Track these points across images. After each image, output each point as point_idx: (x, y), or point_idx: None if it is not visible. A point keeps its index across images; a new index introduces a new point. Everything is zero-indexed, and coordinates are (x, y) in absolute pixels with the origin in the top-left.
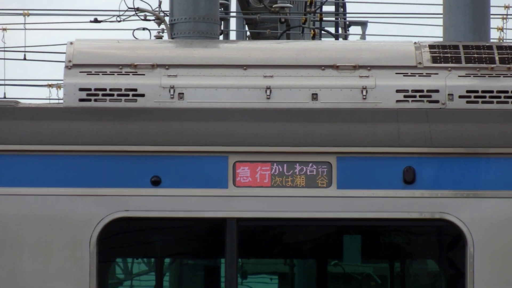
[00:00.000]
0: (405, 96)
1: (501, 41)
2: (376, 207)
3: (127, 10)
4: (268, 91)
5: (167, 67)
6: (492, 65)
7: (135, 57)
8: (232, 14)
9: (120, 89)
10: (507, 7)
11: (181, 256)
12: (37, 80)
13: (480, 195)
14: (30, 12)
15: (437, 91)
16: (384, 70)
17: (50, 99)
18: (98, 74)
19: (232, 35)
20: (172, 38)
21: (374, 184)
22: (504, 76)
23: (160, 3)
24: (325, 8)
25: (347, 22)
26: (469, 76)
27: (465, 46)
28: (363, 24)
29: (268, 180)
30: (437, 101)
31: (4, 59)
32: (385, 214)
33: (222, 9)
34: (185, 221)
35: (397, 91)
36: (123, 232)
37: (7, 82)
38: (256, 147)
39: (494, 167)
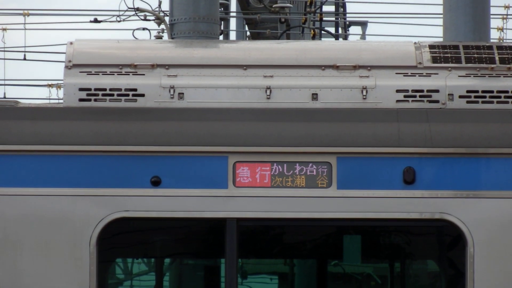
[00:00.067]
0: (405, 96)
1: (501, 41)
2: (376, 207)
3: (127, 10)
4: (268, 91)
5: (167, 67)
6: (492, 65)
7: (135, 57)
8: (232, 14)
9: (120, 89)
10: (507, 7)
11: (181, 256)
12: (37, 80)
13: (480, 195)
14: (30, 12)
15: (437, 91)
16: (384, 70)
17: (50, 99)
18: (98, 74)
19: (232, 35)
20: (172, 38)
21: (374, 184)
22: (504, 76)
23: (160, 3)
24: (325, 8)
25: (347, 22)
26: (469, 76)
27: (465, 46)
28: (363, 24)
29: (268, 180)
30: (437, 101)
31: (4, 59)
32: (385, 214)
33: (222, 9)
34: (185, 221)
35: (397, 91)
36: (123, 232)
37: (7, 82)
38: (256, 147)
39: (494, 167)
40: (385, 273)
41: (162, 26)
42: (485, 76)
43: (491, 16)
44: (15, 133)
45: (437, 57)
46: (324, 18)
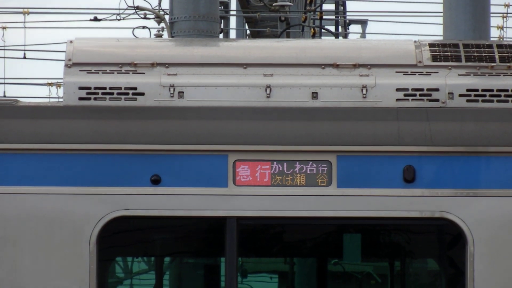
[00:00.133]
0: (405, 95)
1: (501, 39)
2: (376, 206)
3: (127, 9)
4: (268, 90)
5: (167, 65)
6: (492, 64)
7: (135, 55)
8: (232, 12)
9: (120, 88)
10: (507, 5)
11: (181, 255)
12: (37, 79)
13: (480, 194)
14: (30, 10)
15: (437, 89)
16: (384, 68)
17: (50, 97)
18: (98, 73)
19: (232, 34)
20: (172, 37)
21: (374, 183)
22: (504, 75)
23: (160, 1)
24: (325, 7)
25: (347, 21)
26: (469, 75)
27: (465, 44)
28: (363, 23)
29: (268, 179)
30: (437, 100)
31: (4, 57)
32: (385, 213)
33: (222, 7)
34: (185, 220)
35: (397, 89)
36: (123, 230)
37: (7, 81)
38: (256, 145)
39: (494, 165)
40: (385, 271)
41: (162, 24)
42: (485, 75)
43: (491, 15)
44: (15, 132)
45: (437, 56)
46: (324, 17)
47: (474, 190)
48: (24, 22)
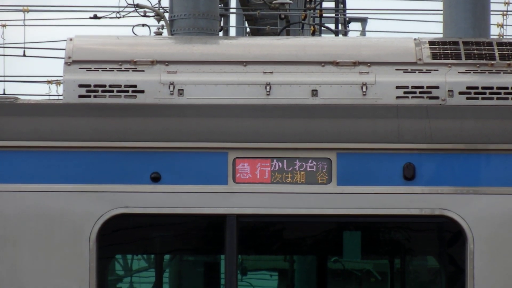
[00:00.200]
0: (405, 93)
1: (501, 37)
2: (376, 203)
3: (126, 6)
4: (268, 87)
5: (166, 63)
6: (492, 62)
7: (135, 53)
8: (232, 10)
9: (119, 86)
10: (507, 3)
11: (181, 252)
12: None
13: (480, 191)
14: (30, 8)
15: (437, 87)
16: (384, 66)
17: (49, 95)
18: (98, 71)
19: (232, 32)
20: (172, 35)
21: (374, 180)
22: (504, 73)
23: None
24: (325, 4)
25: (347, 19)
26: (469, 73)
27: (465, 42)
28: (363, 21)
29: (268, 177)
30: (437, 97)
31: (4, 55)
32: (385, 210)
33: (222, 5)
34: (185, 217)
35: (397, 87)
36: (123, 228)
37: (6, 79)
38: (256, 143)
39: (494, 163)
40: (385, 269)
41: (162, 22)
42: (485, 73)
43: (491, 13)
44: (14, 130)
45: (437, 54)
46: (324, 15)
47: (474, 188)
48: (24, 20)
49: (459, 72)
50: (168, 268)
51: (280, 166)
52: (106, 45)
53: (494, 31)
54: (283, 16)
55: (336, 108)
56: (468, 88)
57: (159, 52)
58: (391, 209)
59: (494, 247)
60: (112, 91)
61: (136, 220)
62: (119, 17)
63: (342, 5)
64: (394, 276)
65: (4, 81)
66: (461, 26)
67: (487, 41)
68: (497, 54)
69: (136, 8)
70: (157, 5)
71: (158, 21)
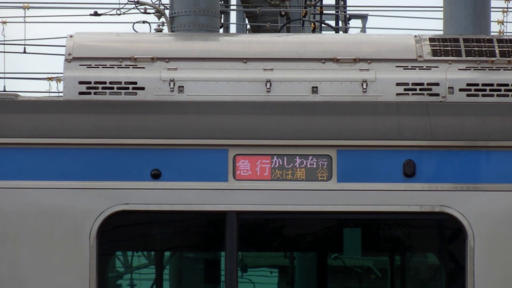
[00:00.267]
0: (405, 89)
1: (501, 34)
2: (376, 200)
3: (127, 3)
4: (268, 84)
5: (167, 60)
6: (493, 58)
7: (135, 50)
8: (232, 7)
9: (120, 82)
10: (507, 0)
11: (181, 249)
12: (37, 73)
13: (481, 188)
14: (30, 5)
15: (437, 84)
16: (384, 63)
17: (50, 92)
18: (98, 67)
19: (232, 28)
20: (172, 31)
21: (374, 177)
22: (504, 69)
23: None
24: (326, 1)
25: (348, 15)
26: (470, 69)
27: (465, 39)
28: (364, 17)
29: (268, 173)
30: (437, 94)
31: (4, 52)
32: (386, 207)
33: (222, 2)
34: (185, 214)
35: (397, 84)
36: (123, 225)
37: (7, 75)
38: (256, 140)
39: (495, 160)
40: (385, 266)
41: (162, 19)
42: (485, 69)
43: (492, 9)
44: (15, 126)
45: (437, 50)
46: (324, 11)
47: (474, 185)
48: (24, 16)
49: (459, 69)
50: (168, 265)
51: (280, 163)
52: (107, 42)
53: (494, 28)
54: (283, 13)
55: (336, 105)
56: (468, 85)
57: (159, 49)
58: (391, 206)
59: (494, 244)
60: (113, 88)
61: (136, 217)
62: (119, 14)
63: (342, 2)
64: (394, 273)
65: (5, 78)
66: (462, 23)
67: (487, 38)
68: (497, 51)
69: (137, 5)
70: (157, 2)
71: (159, 18)
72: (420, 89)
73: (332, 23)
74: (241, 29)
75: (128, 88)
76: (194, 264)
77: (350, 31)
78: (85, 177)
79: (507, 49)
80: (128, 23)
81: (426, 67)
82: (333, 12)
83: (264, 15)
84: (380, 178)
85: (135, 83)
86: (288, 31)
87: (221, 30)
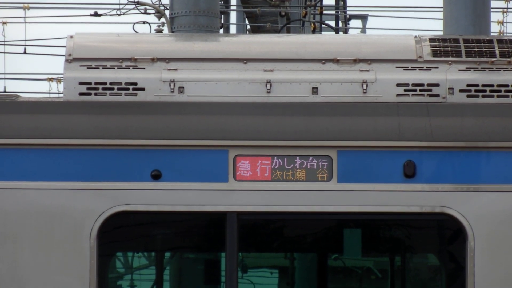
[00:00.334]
0: (405, 90)
1: (501, 35)
2: (377, 201)
3: (127, 4)
4: (268, 85)
5: (167, 60)
6: (493, 59)
7: (135, 50)
8: (232, 7)
9: (120, 83)
10: (507, 0)
11: (181, 250)
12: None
13: (481, 189)
14: (30, 5)
15: (437, 85)
16: (384, 64)
17: (50, 93)
18: (98, 68)
19: (232, 29)
20: (172, 32)
21: (375, 178)
22: (504, 70)
23: None
24: (326, 2)
25: (348, 16)
26: (470, 70)
27: (465, 39)
28: (364, 18)
29: (268, 174)
30: (437, 95)
31: (4, 52)
32: (386, 208)
33: (222, 2)
34: (185, 215)
35: (398, 85)
36: (124, 226)
37: (7, 76)
38: (256, 141)
39: (495, 161)
40: (385, 266)
41: (163, 19)
42: (485, 70)
43: (491, 10)
44: (15, 127)
45: (438, 51)
46: (324, 12)
47: (474, 185)
48: (25, 17)
49: (459, 70)
50: (168, 266)
51: (281, 163)
52: (107, 43)
53: (494, 29)
54: (283, 14)
55: (336, 105)
56: (468, 85)
57: (159, 49)
58: (391, 207)
59: (495, 244)
60: (113, 89)
61: (137, 217)
62: (119, 15)
63: (342, 3)
64: (394, 274)
65: (5, 78)
66: (462, 23)
67: (487, 38)
68: (497, 52)
69: (137, 6)
70: (157, 3)
71: (159, 18)
72: (420, 90)
73: (332, 23)
74: (241, 30)
75: (128, 89)
76: (194, 265)
77: (350, 31)
78: (85, 177)
79: (507, 49)
80: (128, 23)
81: (426, 67)
82: (333, 12)
83: (264, 15)
84: (380, 179)
85: (136, 84)
86: (288, 31)
87: (221, 31)
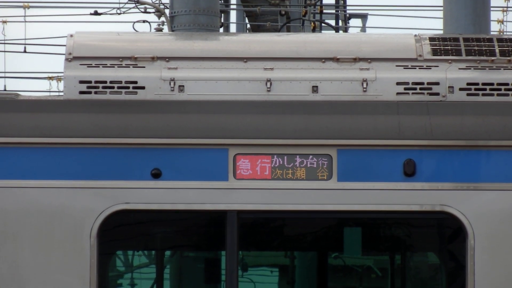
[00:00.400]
0: (405, 89)
1: (501, 33)
2: (377, 199)
3: (127, 3)
4: (268, 84)
5: (167, 59)
6: (493, 58)
7: (135, 49)
8: (232, 6)
9: (120, 82)
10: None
11: (181, 248)
12: (37, 73)
13: (481, 188)
14: (30, 4)
15: (437, 83)
16: (384, 62)
17: (50, 91)
18: (98, 67)
19: (232, 28)
20: (172, 31)
21: (375, 176)
22: (504, 69)
23: None
24: (325, 1)
25: (347, 15)
26: (470, 69)
27: (465, 38)
28: (363, 17)
29: (268, 173)
30: (437, 94)
31: (5, 51)
32: (386, 206)
33: (222, 1)
34: (185, 213)
35: (398, 83)
36: (124, 224)
37: (7, 75)
38: (256, 139)
39: (495, 159)
40: (385, 265)
41: (163, 18)
42: (485, 69)
43: (491, 9)
44: (15, 126)
45: (438, 50)
46: (324, 11)
47: (474, 184)
48: (25, 16)
49: (459, 68)
50: (168, 264)
51: (281, 162)
52: (107, 41)
53: (494, 27)
54: (283, 13)
55: (336, 104)
56: (468, 84)
57: (159, 48)
58: (391, 205)
59: (495, 243)
60: (113, 87)
61: (137, 216)
62: (119, 13)
63: (342, 1)
64: (394, 272)
65: (5, 77)
66: (462, 22)
67: (487, 37)
68: (497, 50)
69: (137, 4)
70: (157, 1)
71: (159, 17)
72: (420, 89)
73: (332, 22)
74: (241, 29)
75: (128, 88)
76: (194, 264)
77: (350, 30)
78: (85, 176)
79: (507, 48)
80: (128, 22)
81: (426, 66)
82: (333, 11)
83: (264, 14)
84: (380, 178)
85: (136, 82)
86: (288, 30)
87: (221, 30)
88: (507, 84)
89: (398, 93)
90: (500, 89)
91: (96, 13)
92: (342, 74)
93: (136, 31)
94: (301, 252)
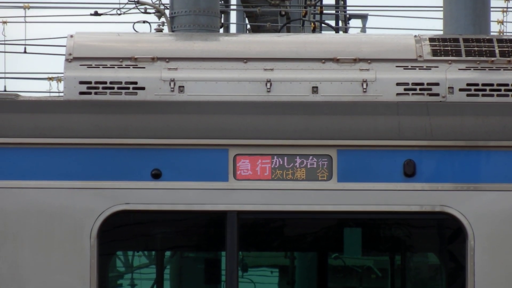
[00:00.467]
0: (405, 89)
1: (501, 34)
2: (377, 200)
3: (127, 3)
4: (268, 84)
5: (167, 60)
6: (492, 58)
7: (136, 50)
8: (232, 7)
9: (120, 82)
10: (507, 0)
11: (181, 249)
12: (38, 73)
13: (481, 188)
14: (31, 5)
15: (437, 84)
16: (384, 63)
17: (50, 92)
18: (99, 67)
19: (233, 28)
20: (173, 31)
21: (375, 177)
22: (504, 69)
23: None
24: (326, 1)
25: (348, 15)
26: (469, 69)
27: (465, 39)
28: (364, 17)
29: (268, 173)
30: (437, 94)
31: (5, 52)
32: (386, 207)
33: (223, 2)
34: (185, 214)
35: (398, 84)
36: (124, 225)
37: (7, 75)
38: (256, 140)
39: (495, 160)
40: (385, 266)
41: (163, 19)
42: (485, 69)
43: (491, 9)
44: (15, 126)
45: (437, 50)
46: (324, 11)
47: (474, 184)
48: (25, 16)
49: (459, 69)
50: (169, 265)
51: (281, 162)
52: (107, 42)
53: (494, 28)
54: (283, 13)
55: (336, 105)
56: (468, 85)
57: (159, 49)
58: (391, 206)
59: (495, 243)
60: (113, 88)
61: (137, 216)
62: (119, 14)
63: (342, 2)
64: (394, 273)
65: (5, 78)
66: (461, 23)
67: (487, 38)
68: (497, 51)
69: (137, 5)
70: (157, 2)
71: (159, 18)
72: (420, 89)
73: (332, 23)
74: (241, 29)
75: (128, 88)
76: (194, 264)
77: (350, 31)
78: (85, 177)
79: (507, 49)
80: (128, 23)
81: (426, 67)
82: (333, 12)
83: (264, 15)
84: (380, 178)
85: (136, 83)
86: (288, 31)
87: (221, 30)
88: (507, 85)
89: (398, 94)
90: (500, 90)
91: (96, 14)
92: (342, 74)
93: (136, 31)
94: (301, 252)
